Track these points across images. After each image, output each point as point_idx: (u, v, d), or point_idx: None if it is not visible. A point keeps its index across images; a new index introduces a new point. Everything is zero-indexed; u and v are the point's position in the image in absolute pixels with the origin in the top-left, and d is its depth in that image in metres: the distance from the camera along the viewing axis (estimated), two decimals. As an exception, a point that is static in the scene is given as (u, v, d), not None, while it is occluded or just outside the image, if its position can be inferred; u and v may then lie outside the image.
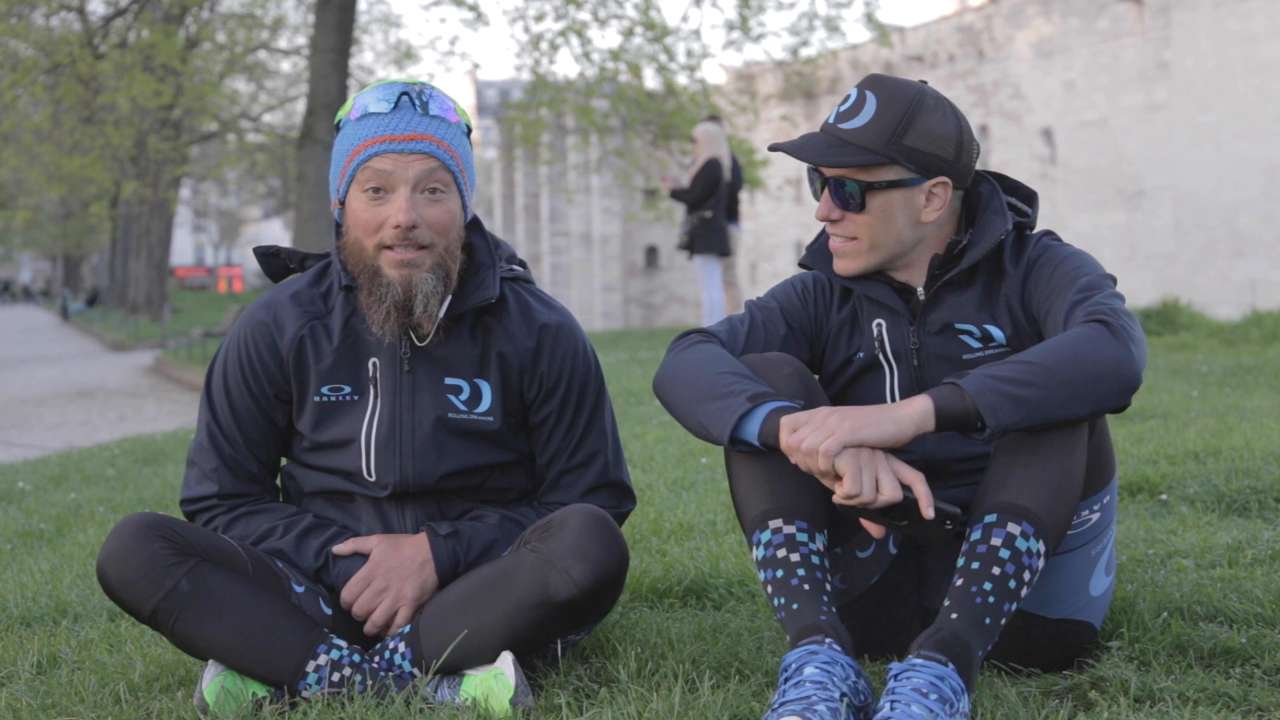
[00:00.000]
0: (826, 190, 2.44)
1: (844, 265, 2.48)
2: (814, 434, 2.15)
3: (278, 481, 2.71)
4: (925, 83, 2.49)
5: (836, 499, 2.17)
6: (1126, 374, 2.15)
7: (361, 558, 2.53)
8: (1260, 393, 7.04)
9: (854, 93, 2.44)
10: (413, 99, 2.48)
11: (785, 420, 2.20)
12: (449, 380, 2.56)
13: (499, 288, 2.57)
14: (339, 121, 2.54)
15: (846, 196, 2.42)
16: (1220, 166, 25.19)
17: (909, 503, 2.14)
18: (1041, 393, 2.12)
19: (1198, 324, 11.99)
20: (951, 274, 2.46)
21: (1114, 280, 2.38)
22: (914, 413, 2.15)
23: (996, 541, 2.16)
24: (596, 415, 2.66)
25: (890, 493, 2.13)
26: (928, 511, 2.13)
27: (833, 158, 2.39)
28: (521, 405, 2.62)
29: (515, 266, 2.70)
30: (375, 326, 2.50)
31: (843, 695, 2.05)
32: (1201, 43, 25.38)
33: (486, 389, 2.58)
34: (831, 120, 2.45)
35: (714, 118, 12.78)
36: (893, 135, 2.39)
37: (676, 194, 11.87)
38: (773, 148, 2.50)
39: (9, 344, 33.60)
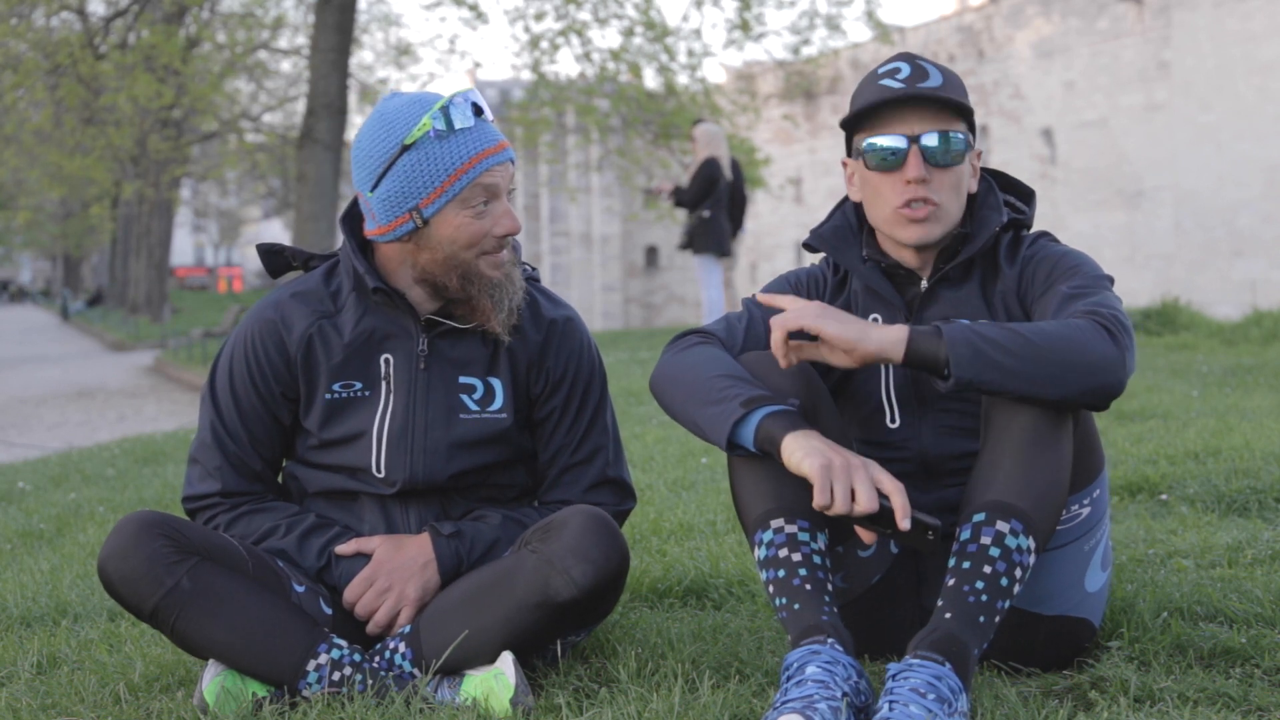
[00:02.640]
0: (915, 149, 2.40)
1: (926, 231, 2.43)
2: (789, 308, 2.25)
3: (279, 479, 2.71)
4: None
5: (815, 507, 2.16)
6: (1112, 377, 2.16)
7: (364, 558, 2.53)
8: (1260, 393, 7.04)
9: (904, 65, 2.44)
10: (480, 108, 2.50)
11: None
12: (463, 379, 2.58)
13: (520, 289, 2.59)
14: (411, 142, 2.45)
15: (948, 151, 2.40)
16: (1220, 166, 25.17)
17: (886, 513, 2.14)
18: (1017, 364, 2.12)
19: (1198, 324, 11.99)
20: (947, 268, 2.46)
21: (1111, 280, 2.39)
22: (885, 338, 2.18)
23: (986, 540, 2.16)
24: (600, 412, 2.67)
25: (866, 504, 2.12)
26: (903, 524, 2.12)
27: (955, 94, 2.40)
28: (528, 401, 2.63)
29: (526, 265, 2.71)
30: (499, 325, 2.53)
31: (844, 695, 2.05)
32: (1201, 43, 25.36)
33: (499, 386, 2.59)
34: (901, 86, 2.41)
35: (697, 122, 12.80)
36: (965, 97, 2.44)
37: (677, 194, 11.85)
38: (858, 112, 2.44)
39: (9, 344, 33.59)
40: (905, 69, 2.43)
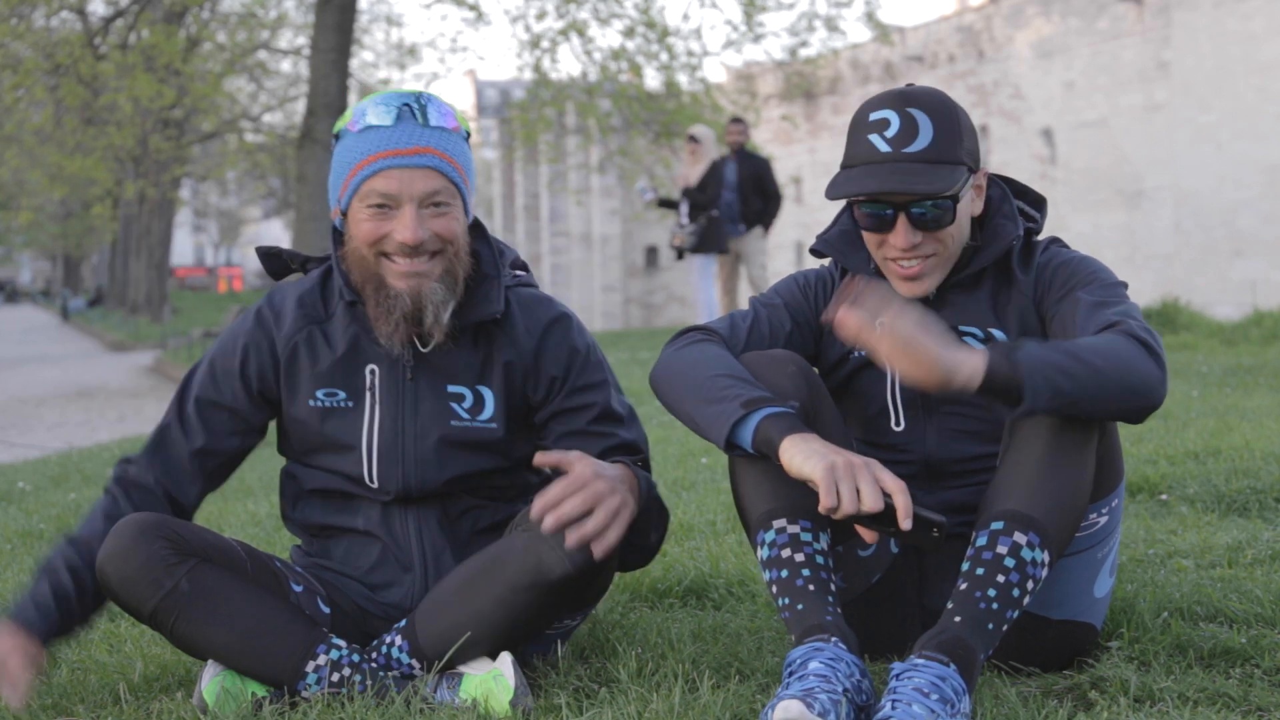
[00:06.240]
0: (904, 219, 2.35)
1: (924, 286, 2.41)
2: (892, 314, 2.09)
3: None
4: (912, 84, 2.47)
5: (821, 510, 2.15)
6: (1154, 398, 2.17)
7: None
8: (1260, 393, 7.05)
9: (893, 117, 2.35)
10: (414, 110, 2.46)
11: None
12: (451, 388, 2.55)
13: (503, 302, 2.55)
14: (338, 131, 2.51)
15: (938, 217, 2.35)
16: (1220, 166, 25.16)
17: (891, 512, 2.12)
18: (1082, 392, 2.11)
19: (1198, 324, 12.00)
20: (959, 276, 2.45)
21: (1125, 286, 2.40)
22: (966, 370, 2.08)
23: (1002, 550, 2.16)
24: (608, 398, 2.61)
25: (871, 503, 2.11)
26: (904, 523, 2.10)
27: (940, 183, 2.32)
28: (526, 409, 2.60)
29: (518, 272, 2.69)
30: (383, 337, 2.49)
31: (845, 690, 2.05)
32: (1201, 43, 25.36)
33: (489, 395, 2.56)
34: (886, 149, 2.34)
35: (737, 120, 12.78)
36: (958, 143, 2.36)
37: (694, 197, 11.81)
38: (839, 195, 2.39)
39: (9, 344, 33.58)
40: (894, 124, 2.34)
